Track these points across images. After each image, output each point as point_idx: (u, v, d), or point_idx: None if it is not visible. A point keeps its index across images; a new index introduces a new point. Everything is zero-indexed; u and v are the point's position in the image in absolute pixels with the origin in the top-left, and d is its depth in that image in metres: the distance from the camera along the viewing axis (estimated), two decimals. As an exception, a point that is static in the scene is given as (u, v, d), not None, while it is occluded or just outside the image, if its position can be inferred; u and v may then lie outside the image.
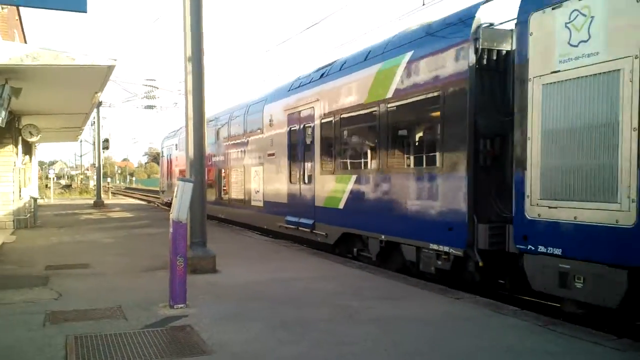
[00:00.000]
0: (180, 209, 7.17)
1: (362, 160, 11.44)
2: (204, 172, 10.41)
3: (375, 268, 10.24)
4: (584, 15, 6.32)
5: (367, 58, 11.26)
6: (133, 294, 7.98)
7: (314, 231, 13.09)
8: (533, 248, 6.96)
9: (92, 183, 64.10)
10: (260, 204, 16.64)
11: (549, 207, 6.75)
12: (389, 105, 10.20)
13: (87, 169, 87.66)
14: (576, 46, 6.43)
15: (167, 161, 30.75)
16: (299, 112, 13.99)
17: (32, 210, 19.65)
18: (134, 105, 38.00)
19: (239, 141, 18.58)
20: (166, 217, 15.32)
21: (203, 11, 10.16)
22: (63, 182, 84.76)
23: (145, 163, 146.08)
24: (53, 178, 52.18)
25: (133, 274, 9.69)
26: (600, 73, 6.14)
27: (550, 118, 6.73)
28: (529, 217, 7.03)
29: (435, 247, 8.90)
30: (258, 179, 16.87)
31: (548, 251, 6.76)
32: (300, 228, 13.84)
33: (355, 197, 11.39)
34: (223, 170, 20.47)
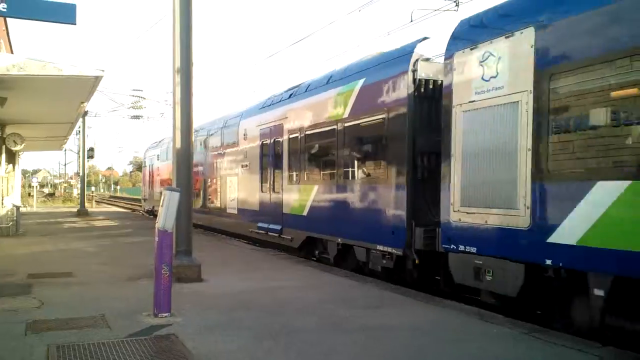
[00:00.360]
0: (166, 218, 7.14)
1: (323, 172, 12.84)
2: (190, 181, 10.40)
3: (362, 277, 10.27)
4: (494, 56, 7.72)
5: (328, 82, 12.68)
6: (117, 302, 7.90)
7: (282, 236, 14.38)
8: (455, 247, 8.30)
9: (75, 191, 63.52)
10: (235, 211, 17.85)
11: (467, 213, 8.09)
12: (345, 125, 11.62)
13: (71, 178, 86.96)
14: (488, 81, 7.83)
15: (149, 171, 31.86)
16: (270, 128, 15.29)
17: (15, 218, 19.42)
18: (120, 115, 37.75)
19: (216, 152, 19.86)
20: (150, 225, 15.13)
21: (192, 23, 10.19)
22: (46, 190, 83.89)
23: (130, 172, 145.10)
24: (36, 186, 51.63)
25: (117, 283, 9.61)
26: (504, 103, 7.50)
27: (468, 139, 8.10)
28: (452, 222, 8.35)
29: (381, 248, 10.25)
30: (233, 189, 18.08)
31: (466, 250, 8.10)
32: (269, 233, 15.06)
33: (317, 205, 12.72)
34: (202, 180, 21.60)
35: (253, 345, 5.89)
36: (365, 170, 11.27)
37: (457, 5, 13.68)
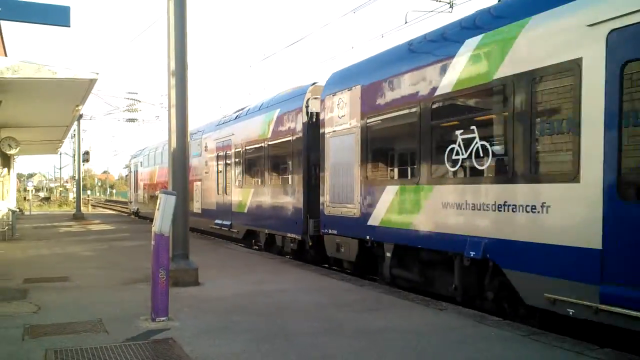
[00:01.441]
0: (162, 222, 7.11)
1: (255, 179, 16.69)
2: (186, 185, 10.37)
3: (359, 280, 10.28)
4: (343, 101, 11.42)
5: (260, 109, 16.54)
6: (114, 307, 7.88)
7: (231, 230, 18.03)
8: (327, 231, 12.15)
9: (71, 195, 63.32)
10: (200, 211, 21.39)
11: (332, 208, 11.86)
12: (268, 143, 15.54)
13: (67, 182, 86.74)
14: (340, 117, 11.54)
15: (134, 176, 35.35)
16: (223, 142, 19.00)
17: (10, 222, 19.35)
18: (116, 118, 37.57)
19: (203, 159, 22.42)
20: (147, 229, 15.20)
21: (187, 26, 10.18)
22: (42, 194, 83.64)
23: (126, 175, 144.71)
24: (32, 190, 51.43)
25: (114, 287, 9.58)
26: (348, 133, 11.18)
27: (333, 157, 11.83)
28: (325, 214, 12.18)
29: (290, 235, 14.08)
30: (198, 192, 21.72)
31: (331, 232, 11.96)
32: (222, 228, 18.69)
33: (252, 204, 16.52)
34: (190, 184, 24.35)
35: (251, 349, 5.87)
36: (280, 177, 15.20)
37: (451, 6, 13.71)
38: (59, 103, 14.25)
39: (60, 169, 78.09)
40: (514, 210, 7.19)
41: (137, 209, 34.01)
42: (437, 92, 8.66)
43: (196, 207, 21.39)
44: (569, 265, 6.39)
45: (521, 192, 7.11)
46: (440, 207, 8.54)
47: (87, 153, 43.00)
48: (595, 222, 6.06)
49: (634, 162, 5.89)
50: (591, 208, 6.10)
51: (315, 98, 13.27)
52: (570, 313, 6.40)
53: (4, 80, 10.86)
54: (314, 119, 13.27)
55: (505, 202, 7.34)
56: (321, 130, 12.28)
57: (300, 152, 13.59)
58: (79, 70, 11.36)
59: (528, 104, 7.04)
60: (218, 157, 19.40)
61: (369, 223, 10.38)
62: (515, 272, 7.19)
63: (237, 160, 17.78)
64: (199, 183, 21.52)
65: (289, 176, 14.33)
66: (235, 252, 15.20)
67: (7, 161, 22.19)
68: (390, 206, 9.79)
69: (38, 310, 7.74)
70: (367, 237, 10.45)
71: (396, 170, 10.14)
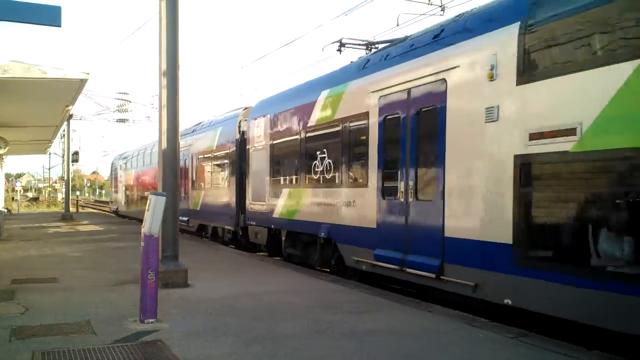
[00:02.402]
0: (152, 223, 7.09)
1: (205, 182, 20.48)
2: (177, 185, 10.34)
3: (349, 282, 10.28)
4: (260, 125, 14.86)
5: (210, 125, 20.66)
6: (102, 308, 7.84)
7: (189, 224, 21.74)
8: (250, 223, 15.81)
9: (60, 196, 62.93)
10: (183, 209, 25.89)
11: (252, 205, 15.46)
12: (214, 154, 19.31)
13: (56, 182, 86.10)
14: (259, 136, 15.05)
15: (115, 178, 39.34)
16: (184, 151, 21.39)
17: (-2, 223, 19.20)
18: (106, 118, 37.33)
19: (153, 167, 25.78)
20: (135, 230, 15.14)
21: (179, 26, 10.16)
22: (30, 194, 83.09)
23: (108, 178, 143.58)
24: (20, 190, 51.04)
25: (102, 288, 9.52)
26: (262, 149, 14.80)
27: (253, 166, 15.54)
28: (248, 210, 15.84)
29: (227, 227, 17.86)
30: (183, 190, 25.78)
31: (252, 223, 15.64)
32: (181, 223, 19.83)
33: (203, 203, 20.48)
34: (148, 186, 27.90)
35: (240, 350, 5.86)
36: (220, 182, 18.77)
37: (442, 10, 13.77)
38: (49, 103, 14.18)
39: (49, 169, 77.48)
40: (341, 205, 11.08)
41: (117, 208, 37.94)
42: (308, 125, 12.55)
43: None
44: (363, 238, 10.24)
45: (344, 193, 11.03)
46: (309, 204, 12.38)
47: (76, 153, 42.76)
48: (372, 211, 9.95)
49: (388, 175, 9.65)
50: (372, 203, 9.98)
51: (245, 120, 16.76)
52: (363, 267, 10.34)
53: (-7, 79, 10.80)
54: (244, 136, 16.65)
55: (337, 200, 11.21)
56: (247, 146, 16.08)
57: (234, 162, 17.37)
58: (69, 71, 11.31)
59: (347, 137, 10.94)
60: (184, 163, 22.49)
61: (273, 216, 14.16)
62: (341, 245, 11.17)
63: (193, 167, 21.87)
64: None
65: (227, 181, 18.19)
66: (224, 254, 15.17)
67: (-5, 161, 22.03)
68: (284, 203, 13.61)
69: (25, 311, 7.68)
70: (272, 226, 14.36)
71: (287, 178, 13.71)
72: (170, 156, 10.13)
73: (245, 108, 17.43)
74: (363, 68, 10.87)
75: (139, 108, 35.47)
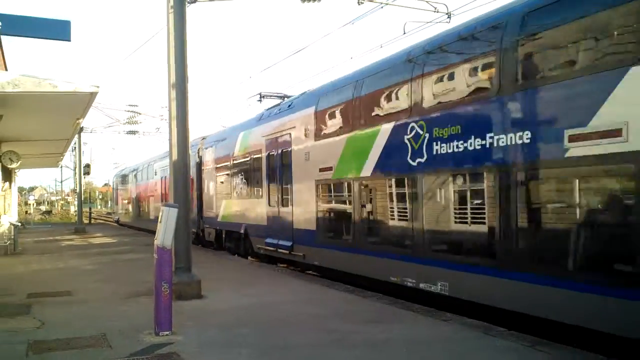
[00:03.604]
0: (165, 235, 7.09)
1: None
2: (188, 197, 10.37)
3: (363, 291, 10.22)
4: (210, 153, 20.18)
5: (165, 156, 24.82)
6: (117, 321, 7.86)
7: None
8: (206, 226, 20.78)
9: (73, 209, 63.30)
10: (153, 217, 29.96)
11: (207, 212, 20.57)
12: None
13: (68, 195, 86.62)
14: (209, 161, 20.55)
15: (115, 193, 46.63)
16: (162, 169, 27.10)
17: (12, 237, 19.34)
18: (116, 130, 37.52)
19: (144, 182, 33.37)
20: (148, 242, 15.23)
21: (187, 38, 10.21)
22: (43, 207, 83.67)
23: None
24: (33, 204, 51.39)
25: (117, 301, 9.55)
26: (211, 171, 20.08)
27: (205, 183, 20.93)
28: (204, 216, 20.90)
29: (193, 230, 17.69)
30: (151, 205, 31.10)
31: (207, 226, 20.66)
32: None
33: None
34: (141, 199, 34.85)
35: (255, 362, 5.84)
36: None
37: (449, 17, 13.74)
38: (60, 116, 14.27)
39: (62, 182, 78.02)
40: (250, 210, 16.36)
41: (118, 218, 43.95)
42: (233, 155, 17.96)
43: (152, 214, 30.33)
44: (260, 231, 15.43)
45: (251, 203, 16.37)
46: (235, 210, 17.74)
47: (88, 166, 43.04)
48: (264, 214, 15.15)
49: (271, 191, 15.06)
50: (264, 209, 15.21)
51: (202, 147, 21.57)
52: (262, 251, 15.32)
53: (4, 94, 10.88)
54: (201, 160, 21.65)
55: (248, 207, 16.53)
56: (202, 167, 21.42)
57: (195, 181, 21.30)
58: (79, 84, 11.37)
59: (252, 165, 16.19)
60: (160, 180, 28.45)
61: (218, 220, 19.40)
62: (252, 237, 16.30)
63: (159, 187, 28.62)
64: (152, 198, 31.07)
65: (193, 194, 21.39)
66: (236, 264, 15.17)
67: (8, 175, 22.20)
68: (223, 211, 18.89)
69: (42, 325, 7.72)
70: (217, 227, 19.55)
71: (224, 192, 18.88)
72: (181, 168, 10.16)
73: (204, 138, 22.12)
74: (259, 119, 16.41)
75: (148, 120, 35.55)
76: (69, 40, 11.38)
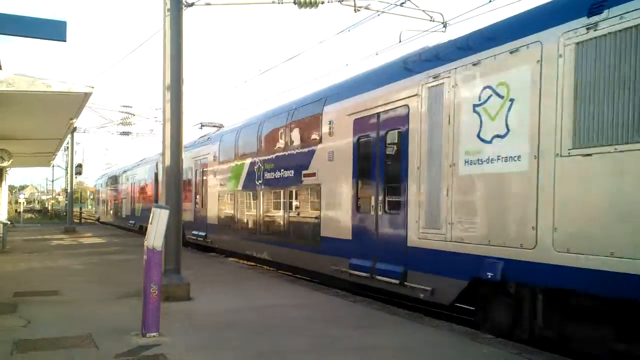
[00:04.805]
0: (155, 236, 7.09)
1: (144, 199, 29.99)
2: (180, 199, 10.35)
3: (351, 296, 10.22)
4: (192, 168, 21.51)
5: (146, 162, 30.31)
6: (104, 322, 7.82)
7: (134, 225, 32.38)
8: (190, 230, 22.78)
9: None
10: (124, 216, 36.71)
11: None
12: (146, 183, 30.10)
13: (59, 194, 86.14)
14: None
15: (97, 194, 53.30)
16: (129, 176, 34.45)
17: (1, 235, 19.20)
18: (109, 131, 37.40)
19: (119, 187, 39.10)
20: (138, 243, 15.19)
21: (183, 40, 10.22)
22: (32, 206, 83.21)
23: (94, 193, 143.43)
24: (23, 203, 51.08)
25: (105, 302, 9.51)
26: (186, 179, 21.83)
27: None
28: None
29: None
30: (124, 206, 37.02)
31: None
32: (128, 225, 33.75)
33: (140, 212, 30.37)
34: (116, 201, 40.24)
35: (242, 365, 5.83)
36: (147, 197, 28.91)
37: (444, 26, 13.83)
38: (53, 116, 14.20)
39: (53, 181, 77.67)
40: (186, 211, 18.58)
41: (99, 217, 49.97)
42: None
43: (124, 214, 36.59)
44: (191, 226, 20.82)
45: (186, 205, 17.90)
46: (190, 212, 21.32)
47: (80, 166, 42.82)
48: (192, 213, 21.04)
49: (199, 198, 21.06)
50: (192, 209, 20.96)
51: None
52: (191, 240, 20.95)
53: (-2, 93, 10.83)
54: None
55: (184, 208, 15.46)
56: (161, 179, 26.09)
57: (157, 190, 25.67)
58: (73, 84, 11.34)
59: (185, 179, 18.60)
60: (129, 186, 34.44)
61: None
62: (186, 230, 19.07)
63: (139, 189, 31.96)
64: (125, 200, 36.60)
65: (157, 195, 26.27)
66: (227, 267, 15.14)
67: (-1, 173, 22.08)
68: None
69: (27, 324, 7.67)
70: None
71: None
72: (174, 170, 10.15)
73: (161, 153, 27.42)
74: (191, 145, 21.49)
75: (142, 121, 35.34)
76: (65, 41, 11.30)
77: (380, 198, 9.96)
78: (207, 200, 19.59)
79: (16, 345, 6.49)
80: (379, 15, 13.38)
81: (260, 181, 15.11)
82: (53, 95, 11.26)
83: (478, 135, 7.76)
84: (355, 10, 12.82)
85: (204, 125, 22.71)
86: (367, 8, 13.02)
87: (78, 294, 10.19)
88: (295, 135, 13.39)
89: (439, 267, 8.32)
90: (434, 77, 8.66)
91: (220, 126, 21.67)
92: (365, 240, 10.32)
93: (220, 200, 18.28)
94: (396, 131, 9.64)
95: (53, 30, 10.78)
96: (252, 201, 15.89)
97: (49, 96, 11.35)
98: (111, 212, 42.39)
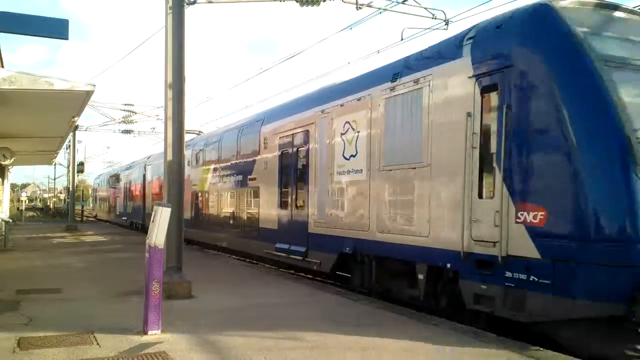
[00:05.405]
0: (157, 234, 7.09)
1: (133, 197, 34.77)
2: (182, 197, 10.36)
3: (353, 294, 10.23)
4: (149, 169, 29.92)
5: (132, 165, 36.84)
6: (106, 319, 7.83)
7: (125, 221, 36.51)
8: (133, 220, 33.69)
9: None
10: (118, 213, 40.59)
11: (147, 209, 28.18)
12: (136, 182, 34.05)
13: (61, 192, 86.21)
14: (149, 175, 30.24)
15: (95, 193, 58.79)
16: (114, 180, 41.82)
17: (3, 233, 19.24)
18: (111, 129, 37.46)
19: (113, 187, 42.70)
20: (139, 241, 15.42)
21: (185, 38, 10.23)
22: (34, 204, 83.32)
23: (91, 191, 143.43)
24: (25, 201, 51.18)
25: (106, 299, 9.53)
26: (152, 182, 29.06)
27: (147, 190, 29.91)
28: (146, 212, 28.23)
29: (139, 221, 31.45)
30: (117, 204, 41.09)
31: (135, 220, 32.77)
32: (121, 219, 37.59)
33: (130, 209, 35.63)
34: (111, 200, 44.65)
35: (244, 363, 5.84)
36: (138, 197, 32.19)
37: (447, 24, 13.81)
38: (55, 114, 14.22)
39: (55, 179, 77.76)
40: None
41: (96, 214, 54.57)
42: (146, 177, 30.16)
43: (118, 211, 40.23)
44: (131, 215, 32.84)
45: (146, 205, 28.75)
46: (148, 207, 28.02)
47: (81, 164, 42.94)
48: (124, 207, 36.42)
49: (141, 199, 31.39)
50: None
51: (148, 164, 29.82)
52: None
53: (0, 91, 10.84)
54: (145, 173, 30.21)
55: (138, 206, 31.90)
56: (147, 179, 29.94)
57: (143, 188, 30.46)
58: (75, 82, 11.35)
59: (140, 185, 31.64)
60: (122, 187, 38.62)
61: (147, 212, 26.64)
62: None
63: (130, 189, 35.88)
64: (118, 199, 40.40)
65: (140, 197, 31.65)
66: (228, 265, 15.15)
67: (1, 172, 22.13)
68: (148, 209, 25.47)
69: (30, 322, 7.69)
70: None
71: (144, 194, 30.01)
72: (175, 168, 10.16)
73: (149, 157, 31.00)
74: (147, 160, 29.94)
75: (144, 119, 35.36)
76: (67, 39, 11.33)
77: (294, 197, 13.60)
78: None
79: (18, 343, 6.50)
80: (380, 12, 13.38)
81: (220, 184, 18.73)
82: (55, 94, 11.28)
83: (343, 154, 11.28)
84: (357, 7, 12.82)
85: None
86: (369, 6, 13.01)
87: (80, 292, 10.20)
88: (244, 147, 16.80)
89: (323, 246, 11.90)
90: (321, 112, 12.32)
91: (198, 133, 25.57)
92: (285, 229, 13.79)
93: (192, 199, 21.19)
94: (303, 148, 13.17)
95: (55, 28, 10.81)
96: (214, 200, 19.37)
97: (51, 94, 11.36)
98: (106, 209, 46.75)
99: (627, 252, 6.20)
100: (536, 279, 6.66)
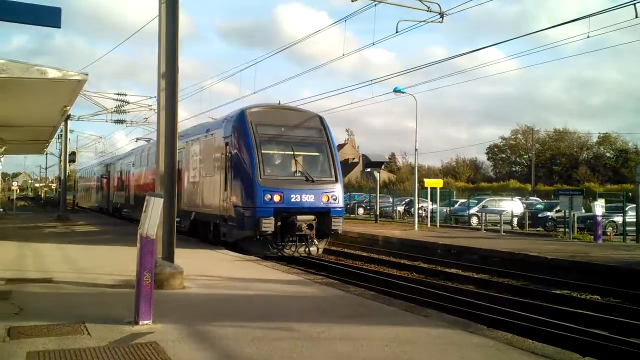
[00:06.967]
0: (149, 224, 7.08)
1: (103, 189, 40.93)
2: (174, 187, 10.33)
3: (344, 285, 10.28)
4: (112, 168, 37.69)
5: (103, 162, 45.10)
6: (97, 309, 7.83)
7: (103, 208, 40.00)
8: (113, 204, 37.50)
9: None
10: (94, 202, 46.41)
11: (113, 198, 37.14)
12: (104, 177, 41.01)
13: (52, 182, 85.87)
14: (113, 172, 37.65)
15: (77, 183, 61.91)
16: (95, 172, 46.42)
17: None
18: (103, 119, 37.30)
19: (90, 178, 48.65)
20: (131, 231, 15.42)
21: (179, 28, 10.18)
22: (25, 193, 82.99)
23: (76, 181, 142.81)
24: (16, 190, 50.93)
25: (98, 289, 9.51)
26: (117, 178, 36.02)
27: (112, 183, 37.18)
28: (111, 200, 37.51)
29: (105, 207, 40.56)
30: (92, 194, 47.27)
31: (113, 205, 37.38)
32: (101, 207, 42.24)
33: (100, 197, 42.94)
34: (88, 190, 50.58)
35: (236, 353, 5.86)
36: (105, 188, 39.76)
37: (442, 17, 13.82)
38: (47, 103, 14.17)
39: (46, 169, 77.46)
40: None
41: (78, 202, 57.25)
42: (110, 172, 38.06)
43: (93, 199, 46.65)
44: (128, 206, 33.03)
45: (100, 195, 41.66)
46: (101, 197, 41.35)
47: (73, 154, 42.70)
48: (129, 200, 32.67)
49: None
50: (128, 198, 32.26)
51: (110, 163, 37.58)
52: (124, 215, 33.83)
53: (-9, 79, 10.77)
54: (108, 171, 37.56)
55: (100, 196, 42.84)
56: (111, 176, 37.18)
57: (109, 181, 37.15)
58: (67, 71, 11.29)
59: (125, 176, 33.57)
60: (96, 178, 44.31)
61: (113, 201, 36.04)
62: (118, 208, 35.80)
63: (100, 182, 41.80)
64: (93, 189, 46.15)
65: (105, 189, 39.16)
66: (220, 256, 15.15)
67: (-8, 160, 21.99)
68: (115, 198, 35.56)
69: (20, 311, 7.67)
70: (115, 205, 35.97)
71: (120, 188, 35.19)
72: (168, 158, 10.12)
73: (112, 157, 39.12)
74: (120, 158, 36.29)
75: (137, 109, 35.27)
76: (59, 27, 11.24)
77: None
78: (130, 190, 30.66)
79: (8, 332, 6.48)
80: (375, 5, 13.39)
81: (142, 180, 26.86)
82: (47, 82, 11.24)
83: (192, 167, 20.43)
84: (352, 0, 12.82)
85: (138, 139, 38.55)
86: (363, -3, 13.02)
87: (71, 282, 10.17)
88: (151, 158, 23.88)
89: (184, 216, 20.28)
90: (186, 143, 20.98)
91: (149, 140, 33.55)
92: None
93: (135, 189, 29.20)
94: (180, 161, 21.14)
95: (47, 16, 10.69)
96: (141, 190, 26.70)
97: (43, 83, 11.32)
98: (86, 198, 53.43)
99: (254, 212, 15.72)
100: (234, 224, 16.41)
